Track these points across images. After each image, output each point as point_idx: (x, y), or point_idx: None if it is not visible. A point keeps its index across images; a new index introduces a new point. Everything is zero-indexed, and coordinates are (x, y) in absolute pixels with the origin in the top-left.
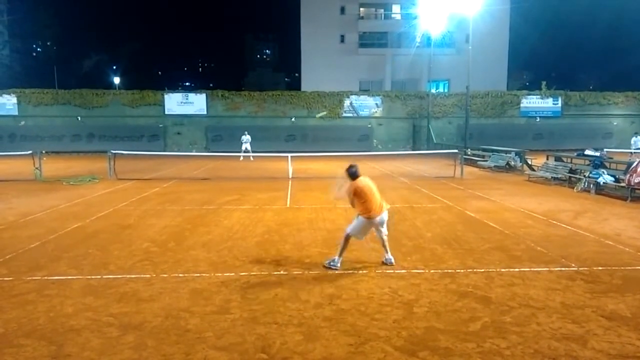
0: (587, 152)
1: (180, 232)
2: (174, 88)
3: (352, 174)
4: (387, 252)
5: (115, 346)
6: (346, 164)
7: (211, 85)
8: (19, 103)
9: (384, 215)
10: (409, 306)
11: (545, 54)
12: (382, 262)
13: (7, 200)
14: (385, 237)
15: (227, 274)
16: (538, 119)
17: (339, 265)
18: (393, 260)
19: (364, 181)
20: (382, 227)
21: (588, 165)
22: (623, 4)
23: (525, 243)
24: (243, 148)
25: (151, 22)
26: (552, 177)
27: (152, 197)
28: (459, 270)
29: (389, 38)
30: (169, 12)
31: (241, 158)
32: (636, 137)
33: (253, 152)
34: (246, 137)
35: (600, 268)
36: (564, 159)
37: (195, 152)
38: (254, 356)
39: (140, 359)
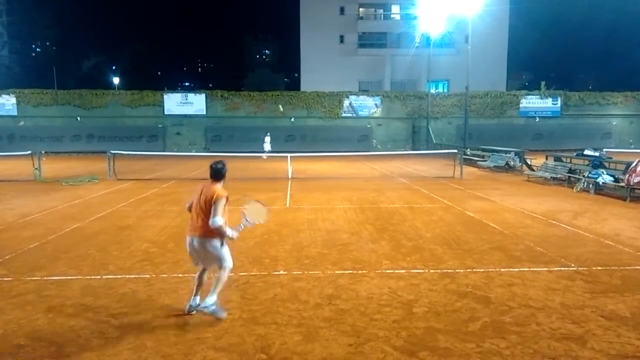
0: (587, 152)
1: (179, 232)
2: (173, 88)
3: (211, 172)
4: (211, 292)
5: (115, 347)
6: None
7: (210, 85)
8: (18, 103)
9: (195, 243)
10: (408, 306)
11: (544, 54)
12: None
13: (7, 200)
14: (216, 274)
15: None
16: (537, 119)
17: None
18: (208, 304)
19: (206, 187)
20: (203, 260)
21: (587, 165)
22: (622, 5)
23: (524, 243)
24: (267, 148)
25: (150, 22)
26: (551, 177)
27: (152, 197)
28: (458, 271)
29: (388, 38)
30: (168, 12)
31: (264, 157)
32: None
33: (251, 152)
34: (268, 137)
35: (599, 268)
36: (563, 159)
37: (195, 152)
38: (253, 357)
39: None
